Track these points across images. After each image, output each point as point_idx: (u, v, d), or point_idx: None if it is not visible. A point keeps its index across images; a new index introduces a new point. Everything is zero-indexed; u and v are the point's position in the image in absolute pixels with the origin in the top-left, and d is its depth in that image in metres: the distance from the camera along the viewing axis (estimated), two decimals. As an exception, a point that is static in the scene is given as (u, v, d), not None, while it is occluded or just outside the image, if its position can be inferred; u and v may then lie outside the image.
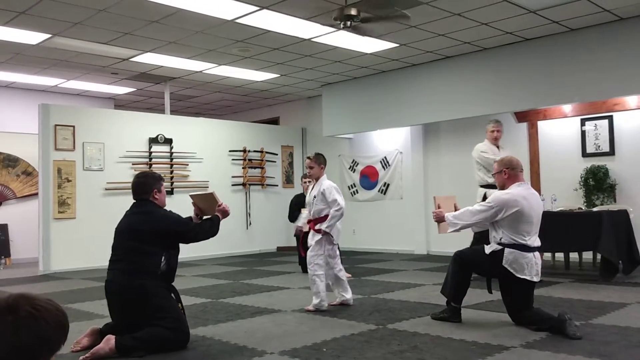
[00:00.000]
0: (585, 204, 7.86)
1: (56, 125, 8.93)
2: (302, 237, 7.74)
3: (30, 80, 9.88)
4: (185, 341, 3.93)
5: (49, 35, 7.37)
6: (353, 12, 6.36)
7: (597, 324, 4.28)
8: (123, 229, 4.07)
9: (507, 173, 4.32)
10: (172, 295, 4.09)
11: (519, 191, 4.21)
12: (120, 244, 4.04)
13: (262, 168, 11.48)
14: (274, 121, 12.83)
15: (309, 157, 5.50)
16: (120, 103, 12.06)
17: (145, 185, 4.16)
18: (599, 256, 7.15)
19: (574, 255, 7.45)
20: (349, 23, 6.51)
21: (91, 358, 3.60)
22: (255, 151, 11.45)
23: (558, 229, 6.44)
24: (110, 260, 4.08)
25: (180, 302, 4.14)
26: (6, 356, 1.33)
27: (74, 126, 9.08)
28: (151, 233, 3.96)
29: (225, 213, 4.29)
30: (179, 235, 4.10)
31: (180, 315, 4.01)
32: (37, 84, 10.18)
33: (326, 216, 5.22)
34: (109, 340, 3.69)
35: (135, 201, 4.20)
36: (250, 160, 11.33)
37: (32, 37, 7.43)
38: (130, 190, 4.27)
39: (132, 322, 3.90)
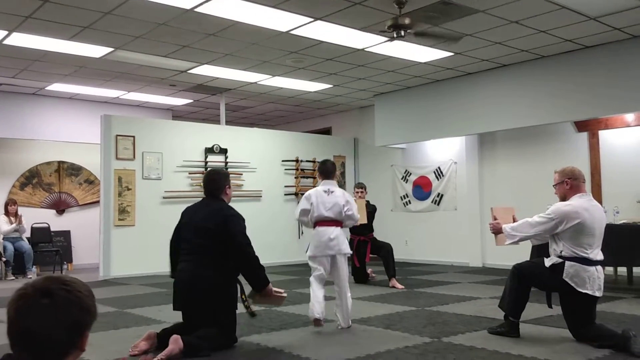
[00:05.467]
0: (650, 217, 7.54)
1: (117, 135, 9.24)
2: (355, 246, 7.75)
3: (93, 92, 10.26)
4: (231, 346, 4.14)
5: (112, 49, 7.64)
6: (407, 21, 6.34)
7: (665, 343, 4.09)
8: (197, 224, 4.14)
9: (570, 184, 4.19)
10: (238, 288, 4.22)
11: (580, 202, 4.09)
12: (192, 238, 4.12)
13: (314, 178, 11.53)
14: (327, 131, 12.88)
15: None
16: (177, 114, 12.37)
17: (218, 182, 4.31)
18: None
19: (637, 270, 7.15)
20: (402, 33, 6.49)
21: (166, 359, 3.70)
22: (307, 161, 11.52)
23: (621, 242, 6.20)
24: (182, 253, 4.17)
25: (244, 292, 4.26)
26: (60, 337, 1.38)
27: (134, 136, 9.38)
28: (218, 229, 4.04)
29: (271, 295, 4.20)
30: (235, 241, 4.09)
31: (234, 321, 4.18)
32: (99, 96, 10.56)
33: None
34: (177, 341, 3.79)
35: (206, 196, 4.32)
36: (302, 170, 11.40)
37: (95, 51, 7.73)
38: (187, 198, 4.38)
39: (191, 315, 4.06)
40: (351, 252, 5.74)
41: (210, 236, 4.05)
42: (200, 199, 4.51)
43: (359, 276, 7.87)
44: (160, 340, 3.99)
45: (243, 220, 4.18)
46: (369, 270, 7.97)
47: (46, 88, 9.88)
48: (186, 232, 4.21)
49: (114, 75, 9.12)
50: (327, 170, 5.14)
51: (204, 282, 4.02)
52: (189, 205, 4.49)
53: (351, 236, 7.86)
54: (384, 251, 7.61)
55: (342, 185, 11.97)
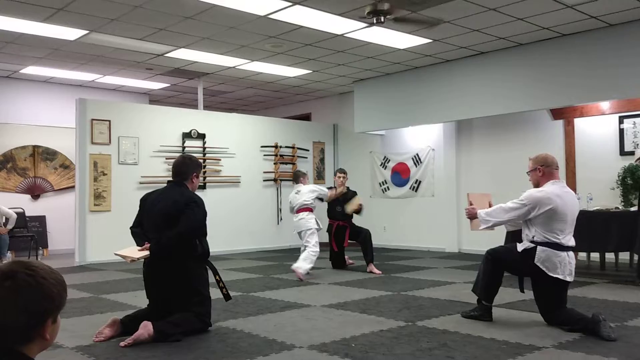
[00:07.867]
0: (622, 204, 7.67)
1: (93, 119, 9.11)
2: (334, 231, 7.79)
3: (68, 76, 10.09)
4: (205, 330, 4.15)
5: (87, 32, 7.51)
6: (386, 7, 6.33)
7: (633, 326, 4.19)
8: (162, 211, 4.06)
9: (542, 170, 4.25)
10: (209, 271, 4.22)
11: (553, 189, 4.14)
12: (157, 227, 4.04)
13: (294, 164, 11.51)
14: (306, 117, 12.85)
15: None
16: (154, 98, 12.24)
17: (188, 167, 4.24)
18: (636, 257, 7.00)
19: (610, 256, 7.29)
20: (382, 18, 6.48)
21: (132, 344, 3.69)
22: (286, 147, 11.49)
23: (594, 228, 6.31)
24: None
25: (218, 274, 4.30)
26: (18, 321, 1.36)
27: (109, 121, 9.25)
28: (180, 213, 3.99)
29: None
30: (192, 228, 4.05)
31: (210, 306, 4.19)
32: (74, 79, 10.39)
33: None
34: (147, 326, 3.77)
35: (171, 182, 4.25)
36: (281, 156, 11.37)
37: (70, 33, 7.58)
38: (163, 184, 4.35)
39: (164, 301, 4.03)
40: (318, 227, 7.28)
41: (177, 222, 3.98)
42: None
43: (337, 262, 7.91)
44: (125, 326, 3.96)
45: (204, 214, 4.10)
46: (346, 257, 8.01)
47: (20, 71, 9.70)
48: (150, 221, 4.12)
49: (89, 59, 8.98)
50: (294, 176, 7.77)
51: (175, 268, 4.00)
52: (148, 192, 4.39)
53: (330, 221, 7.89)
54: (362, 237, 7.65)
55: (321, 171, 12.00)
